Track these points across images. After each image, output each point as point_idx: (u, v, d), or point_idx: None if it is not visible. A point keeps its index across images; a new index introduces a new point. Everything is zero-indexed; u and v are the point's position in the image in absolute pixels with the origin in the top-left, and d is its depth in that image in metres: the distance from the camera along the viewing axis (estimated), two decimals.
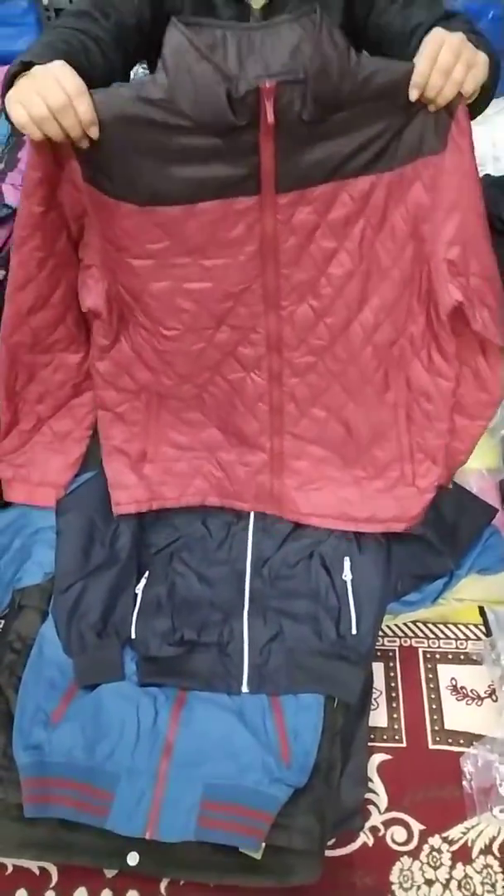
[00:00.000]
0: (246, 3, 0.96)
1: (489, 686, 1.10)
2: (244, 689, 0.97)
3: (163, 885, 0.93)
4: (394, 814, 0.99)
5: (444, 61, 0.75)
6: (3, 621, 1.11)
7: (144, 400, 1.07)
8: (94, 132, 0.77)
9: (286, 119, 0.78)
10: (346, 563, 1.07)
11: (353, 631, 1.01)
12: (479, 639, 1.15)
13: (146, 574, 1.08)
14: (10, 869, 0.95)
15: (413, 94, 0.78)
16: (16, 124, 0.75)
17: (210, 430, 1.10)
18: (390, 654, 1.14)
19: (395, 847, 0.97)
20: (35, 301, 0.94)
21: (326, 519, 1.09)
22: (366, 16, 0.96)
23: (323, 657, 0.99)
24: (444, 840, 0.97)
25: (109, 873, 0.94)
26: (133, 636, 1.01)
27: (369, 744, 1.03)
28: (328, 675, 0.98)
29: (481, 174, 1.62)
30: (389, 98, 0.79)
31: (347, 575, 1.06)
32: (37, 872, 0.95)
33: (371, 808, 1.00)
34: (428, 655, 1.14)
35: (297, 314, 0.95)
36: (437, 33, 0.77)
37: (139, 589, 1.06)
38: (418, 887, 0.94)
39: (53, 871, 0.95)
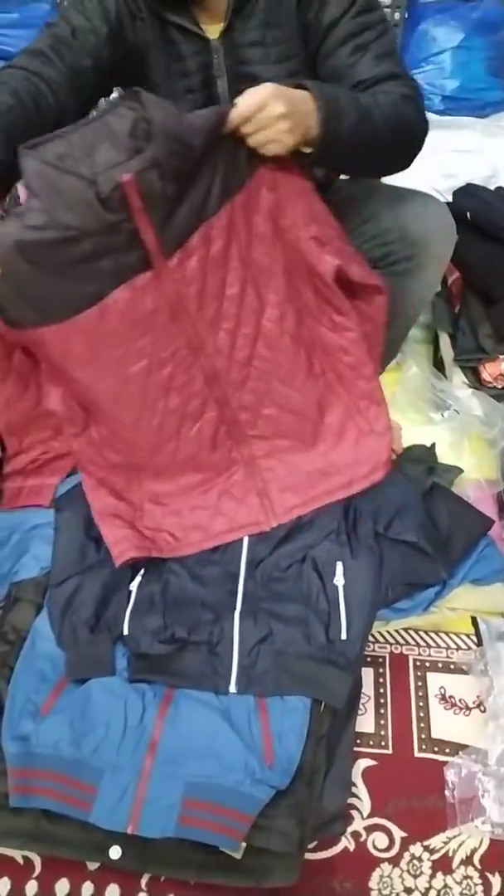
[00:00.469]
0: (204, 36, 1.04)
1: (477, 696, 1.10)
2: (232, 689, 0.98)
3: (143, 881, 0.94)
4: (376, 820, 1.00)
5: (261, 118, 0.84)
6: None
7: (122, 469, 1.13)
8: None
9: (152, 198, 0.85)
10: (339, 567, 1.08)
11: (343, 636, 1.01)
12: (469, 648, 1.15)
13: (141, 571, 1.09)
14: None
15: (225, 130, 0.85)
16: None
17: (187, 475, 1.15)
18: (380, 660, 1.14)
19: (375, 853, 0.97)
20: (9, 399, 1.08)
21: (312, 502, 1.13)
22: (315, 50, 1.03)
23: (311, 661, 1.00)
24: (426, 849, 0.97)
25: (92, 866, 0.95)
26: (125, 633, 1.02)
27: (355, 749, 1.03)
28: (316, 679, 0.99)
29: (494, 186, 1.66)
30: (220, 140, 0.86)
31: (339, 580, 1.07)
32: (21, 862, 0.96)
33: (354, 813, 1.00)
34: (418, 663, 1.15)
35: (218, 343, 1.03)
36: (264, 93, 0.83)
37: (133, 586, 1.07)
38: (398, 894, 0.94)
39: (37, 861, 0.96)
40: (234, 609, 1.05)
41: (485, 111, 1.89)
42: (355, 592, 1.05)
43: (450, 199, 1.57)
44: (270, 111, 0.84)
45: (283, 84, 0.87)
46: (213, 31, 1.05)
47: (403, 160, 1.05)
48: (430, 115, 1.76)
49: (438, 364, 1.56)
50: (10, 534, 1.14)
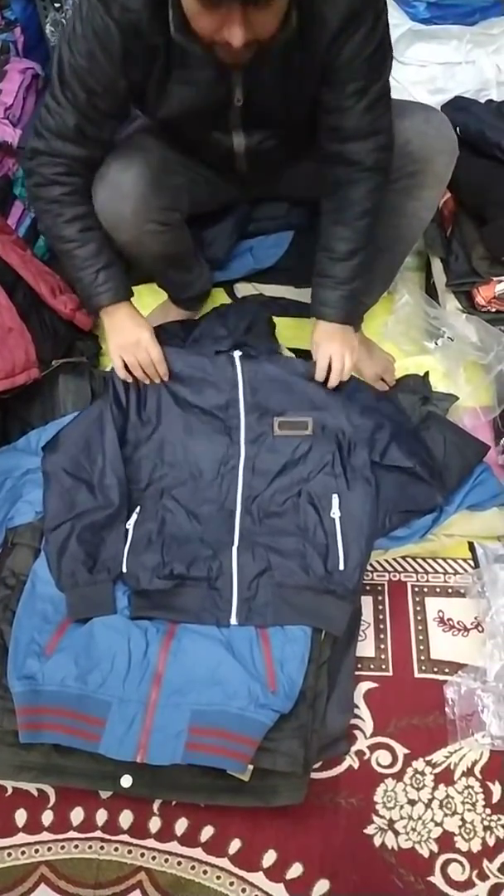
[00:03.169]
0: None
1: (475, 618, 1.12)
2: (233, 621, 0.99)
3: (155, 806, 0.97)
4: (379, 739, 1.03)
5: (332, 378, 1.17)
6: None
7: None
8: (165, 376, 1.19)
9: None
10: (335, 500, 1.07)
11: (341, 567, 1.02)
12: (466, 573, 1.17)
13: (137, 510, 1.08)
14: (9, 791, 1.00)
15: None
16: (118, 371, 1.18)
17: None
18: (379, 588, 1.16)
19: (379, 770, 1.00)
20: None
21: None
22: (330, 102, 1.00)
23: (311, 592, 1.00)
24: (428, 763, 1.01)
25: (104, 795, 0.98)
26: (124, 570, 1.02)
27: (356, 673, 1.06)
28: (315, 609, 1.00)
29: (484, 99, 1.58)
30: None
31: (335, 512, 1.06)
32: (35, 794, 0.99)
33: (357, 733, 1.03)
34: (416, 589, 1.16)
35: None
36: (324, 357, 1.17)
37: (130, 524, 1.07)
38: (401, 806, 0.98)
39: (51, 792, 0.99)
40: (232, 545, 1.05)
41: (473, 18, 1.77)
42: (352, 524, 1.05)
43: None
44: (336, 367, 1.17)
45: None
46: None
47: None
48: (415, 25, 1.68)
49: (431, 291, 1.52)
50: (3, 480, 1.13)
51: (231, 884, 0.93)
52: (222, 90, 0.99)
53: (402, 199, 1.14)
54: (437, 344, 1.43)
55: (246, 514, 1.09)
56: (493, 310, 1.39)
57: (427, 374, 1.36)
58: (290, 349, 1.40)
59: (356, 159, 1.03)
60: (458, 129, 1.40)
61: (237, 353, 1.21)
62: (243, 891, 0.92)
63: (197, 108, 1.01)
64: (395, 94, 1.26)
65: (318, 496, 1.09)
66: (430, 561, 1.18)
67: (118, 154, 1.08)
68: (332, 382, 1.17)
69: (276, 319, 1.55)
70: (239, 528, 1.07)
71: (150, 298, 1.54)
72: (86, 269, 1.09)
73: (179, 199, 1.15)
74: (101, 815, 0.97)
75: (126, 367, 1.17)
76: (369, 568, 1.16)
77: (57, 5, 1.65)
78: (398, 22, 1.67)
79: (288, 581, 1.01)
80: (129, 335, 1.15)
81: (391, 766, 1.01)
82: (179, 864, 0.94)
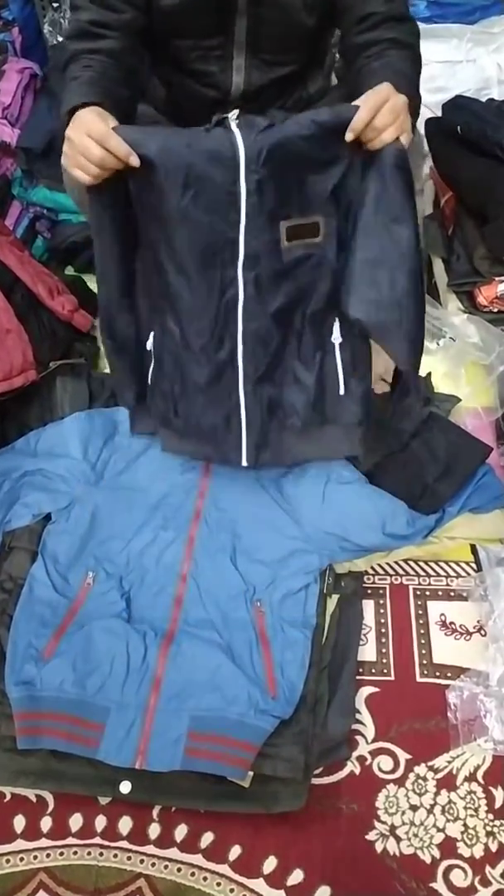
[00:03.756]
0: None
1: (477, 621, 1.11)
2: (244, 463, 1.05)
3: (155, 812, 0.97)
4: (381, 744, 1.02)
5: (380, 122, 0.86)
6: None
7: None
8: (133, 161, 0.87)
9: None
10: (335, 325, 1.04)
11: (342, 392, 1.03)
12: (469, 576, 1.16)
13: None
14: (8, 797, 0.99)
15: (349, 136, 0.87)
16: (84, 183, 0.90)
17: None
18: (381, 591, 1.15)
19: (381, 775, 0.99)
20: None
21: None
22: None
23: (313, 427, 1.05)
24: (430, 768, 1.00)
25: (103, 801, 0.97)
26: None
27: (358, 677, 1.05)
28: (320, 442, 1.06)
29: (485, 98, 1.57)
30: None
31: (336, 338, 1.04)
32: (34, 800, 0.98)
33: (358, 738, 1.02)
34: (418, 592, 1.15)
35: None
36: (384, 90, 0.86)
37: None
38: (403, 812, 0.97)
39: (50, 798, 0.98)
40: (239, 393, 1.03)
41: (474, 16, 1.76)
42: (352, 348, 1.04)
43: (439, 114, 1.49)
44: (395, 105, 0.86)
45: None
46: None
47: None
48: None
49: (432, 291, 1.52)
50: (1, 483, 1.12)
51: (231, 890, 0.92)
52: None
53: None
54: (438, 344, 1.42)
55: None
56: (495, 310, 1.39)
57: (429, 374, 1.35)
58: None
59: (392, 36, 0.98)
60: (458, 128, 1.40)
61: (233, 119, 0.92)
62: None
63: None
64: None
65: (318, 321, 1.04)
66: (431, 564, 1.18)
67: None
68: (366, 136, 0.88)
69: None
70: (242, 373, 1.02)
71: None
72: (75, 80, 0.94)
73: None
74: (101, 822, 0.96)
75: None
76: (370, 571, 1.15)
77: (55, 5, 1.65)
78: None
79: (292, 421, 1.05)
80: (78, 127, 0.89)
81: (393, 771, 1.00)
82: (179, 870, 0.93)
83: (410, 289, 0.94)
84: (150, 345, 1.07)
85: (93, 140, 0.85)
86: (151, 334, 1.07)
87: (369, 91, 0.87)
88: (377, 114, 0.86)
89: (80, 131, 0.87)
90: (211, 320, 0.99)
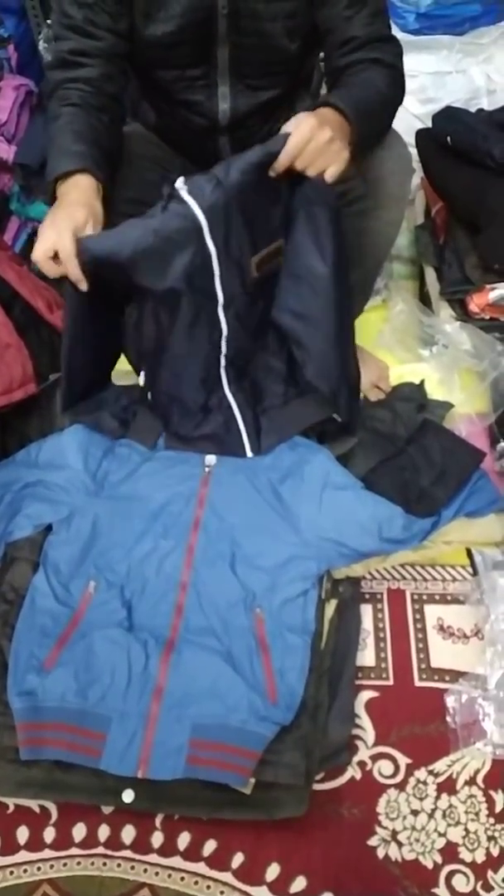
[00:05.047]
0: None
1: (475, 625, 1.11)
2: (248, 454, 1.16)
3: (158, 820, 0.97)
4: (381, 749, 1.02)
5: (301, 164, 0.90)
6: None
7: None
8: (82, 287, 0.97)
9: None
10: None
11: (310, 371, 1.12)
12: (465, 580, 1.17)
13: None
14: (11, 808, 0.99)
15: (272, 174, 0.92)
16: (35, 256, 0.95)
17: None
18: (378, 596, 1.16)
19: (381, 780, 1.00)
20: None
21: None
22: (330, 20, 1.02)
23: (293, 398, 1.17)
24: (430, 773, 1.00)
25: (106, 810, 0.97)
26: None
27: (357, 682, 1.05)
28: (304, 408, 1.17)
29: (475, 108, 1.59)
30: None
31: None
32: (37, 811, 0.98)
33: (358, 743, 1.02)
34: (415, 597, 1.16)
35: None
36: (307, 130, 0.88)
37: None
38: (404, 817, 0.97)
39: (53, 809, 0.98)
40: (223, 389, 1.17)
41: (463, 27, 1.79)
42: (309, 326, 1.10)
43: (429, 125, 1.51)
44: (319, 139, 0.88)
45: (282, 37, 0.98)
46: None
47: (388, 128, 1.10)
48: (404, 36, 1.70)
49: (425, 299, 1.53)
50: (2, 494, 1.13)
51: None
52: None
53: (361, 220, 1.15)
54: (431, 351, 1.44)
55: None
56: (487, 317, 1.41)
57: (422, 381, 1.37)
58: None
59: (375, 56, 1.01)
60: (448, 138, 1.42)
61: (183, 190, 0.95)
62: None
63: (185, 18, 1.00)
64: None
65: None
66: (428, 568, 1.18)
67: None
68: (285, 161, 0.91)
69: None
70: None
71: None
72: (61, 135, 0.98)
73: (149, 194, 1.12)
74: (104, 831, 0.96)
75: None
76: (367, 576, 1.16)
77: (49, 22, 1.66)
78: None
79: (275, 403, 1.17)
80: (57, 208, 0.94)
81: (393, 776, 1.00)
82: (182, 879, 0.93)
83: (324, 312, 1.06)
84: (141, 380, 1.17)
85: (55, 258, 0.93)
86: (142, 373, 1.17)
87: (294, 130, 0.90)
88: (300, 153, 0.90)
89: (49, 237, 0.92)
90: (203, 359, 1.12)
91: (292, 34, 1.03)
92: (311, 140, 0.88)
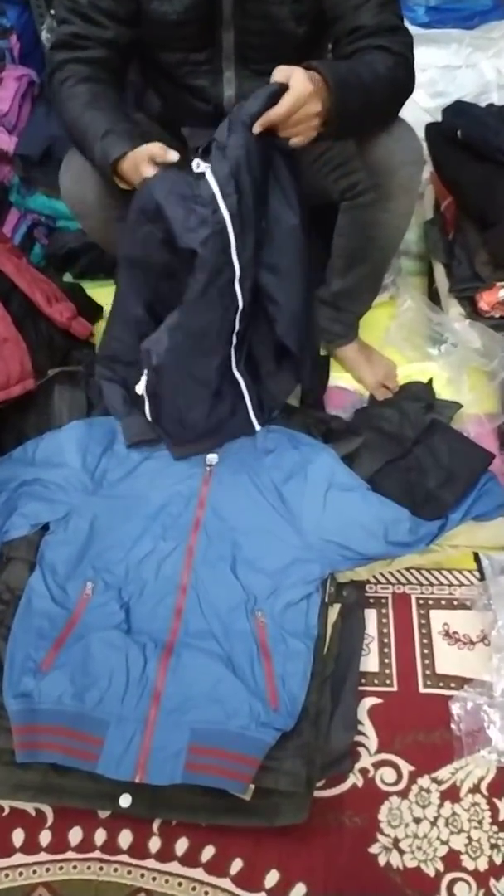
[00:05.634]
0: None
1: (481, 631, 1.10)
2: (257, 427, 1.18)
3: (155, 826, 0.95)
4: (383, 756, 1.00)
5: (285, 132, 0.91)
6: None
7: None
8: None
9: None
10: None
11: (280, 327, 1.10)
12: (472, 584, 1.15)
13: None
14: (6, 811, 0.98)
15: (256, 129, 0.91)
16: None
17: None
18: (383, 600, 1.14)
19: (384, 787, 0.98)
20: None
21: None
22: (338, 6, 0.99)
23: (286, 365, 1.19)
24: (433, 780, 0.98)
25: (103, 814, 0.96)
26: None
27: (360, 688, 1.03)
28: (290, 372, 1.20)
29: (485, 103, 1.56)
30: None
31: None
32: (33, 814, 0.97)
33: (361, 750, 1.00)
34: (421, 602, 1.14)
35: None
36: (302, 93, 0.87)
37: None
38: (406, 825, 0.96)
39: (49, 812, 0.97)
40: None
41: (473, 21, 1.76)
42: (282, 280, 1.08)
43: (439, 119, 1.48)
44: (308, 110, 0.89)
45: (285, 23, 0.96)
46: None
47: (392, 116, 1.06)
48: (414, 29, 1.67)
49: (433, 296, 1.51)
50: None
51: None
52: None
53: (371, 211, 1.13)
54: (440, 350, 1.42)
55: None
56: (497, 315, 1.38)
57: (431, 381, 1.35)
58: None
59: (381, 44, 0.98)
60: (458, 132, 1.39)
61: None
62: None
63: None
64: None
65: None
66: (434, 572, 1.16)
67: None
68: (274, 119, 0.90)
69: None
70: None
71: None
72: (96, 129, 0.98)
73: None
74: (100, 835, 0.95)
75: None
76: (372, 580, 1.14)
77: (53, 12, 1.64)
78: None
79: (268, 368, 1.18)
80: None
81: (396, 783, 0.99)
82: (180, 884, 0.92)
83: (293, 264, 1.05)
84: (140, 387, 1.10)
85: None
86: (144, 378, 1.10)
87: (292, 88, 0.88)
88: (290, 117, 0.89)
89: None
90: (218, 340, 1.08)
91: (300, 19, 1.01)
92: (303, 106, 0.89)
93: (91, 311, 1.47)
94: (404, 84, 1.02)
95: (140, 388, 1.09)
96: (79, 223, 1.17)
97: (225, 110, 1.09)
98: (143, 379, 1.08)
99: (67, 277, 1.59)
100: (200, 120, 1.11)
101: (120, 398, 1.18)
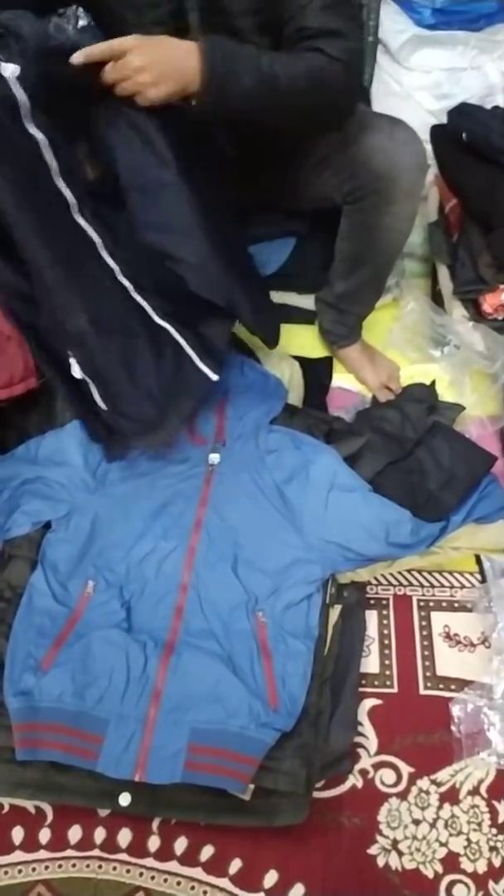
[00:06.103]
0: None
1: (482, 633, 1.10)
2: (213, 377, 1.04)
3: (154, 824, 0.96)
4: (383, 757, 1.01)
5: (119, 67, 0.84)
6: None
7: None
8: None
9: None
10: None
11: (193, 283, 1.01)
12: (473, 587, 1.15)
13: None
14: (6, 808, 0.98)
15: (74, 60, 0.84)
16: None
17: None
18: (384, 602, 1.14)
19: (383, 789, 0.98)
20: None
21: None
22: (287, 7, 0.96)
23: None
24: (433, 782, 0.99)
25: (102, 813, 0.96)
26: None
27: (360, 689, 1.04)
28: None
29: (490, 106, 1.56)
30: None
31: None
32: (32, 811, 0.97)
33: (361, 751, 1.01)
34: (422, 603, 1.14)
35: None
36: (129, 42, 0.83)
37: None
38: (405, 826, 0.96)
39: (49, 810, 0.97)
40: None
41: (478, 24, 1.75)
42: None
43: (444, 121, 1.48)
44: (127, 62, 0.84)
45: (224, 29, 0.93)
46: None
47: (325, 125, 1.04)
48: (420, 31, 1.67)
49: (437, 298, 1.51)
50: (0, 490, 1.11)
51: None
52: None
53: (374, 215, 1.13)
54: (442, 352, 1.42)
55: None
56: (500, 318, 1.38)
57: (433, 382, 1.35)
58: (292, 356, 1.39)
59: (318, 46, 0.96)
60: (463, 134, 1.39)
61: None
62: None
63: (159, 9, 0.97)
64: (399, 100, 1.24)
65: None
66: (435, 574, 1.16)
67: None
68: (79, 59, 0.84)
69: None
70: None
71: None
72: None
73: None
74: (100, 834, 0.95)
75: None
76: (373, 581, 1.14)
77: (60, 11, 1.65)
78: (403, 27, 1.66)
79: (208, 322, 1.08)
80: None
81: (395, 784, 0.99)
82: (179, 883, 0.92)
83: (189, 220, 0.99)
84: (77, 372, 1.04)
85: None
86: (73, 361, 1.04)
87: (117, 40, 0.85)
88: (104, 59, 0.84)
89: None
90: (94, 280, 0.99)
91: (263, 30, 1.00)
92: (121, 57, 0.85)
93: None
94: (332, 89, 0.98)
95: (77, 372, 1.03)
96: None
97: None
98: (73, 362, 1.03)
99: None
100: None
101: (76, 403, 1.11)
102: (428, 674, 1.07)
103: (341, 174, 1.11)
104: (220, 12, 0.98)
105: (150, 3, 0.99)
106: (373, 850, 0.94)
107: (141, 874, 0.93)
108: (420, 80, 1.69)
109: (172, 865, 0.93)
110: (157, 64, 0.85)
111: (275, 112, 0.97)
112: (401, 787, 0.98)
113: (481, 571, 1.15)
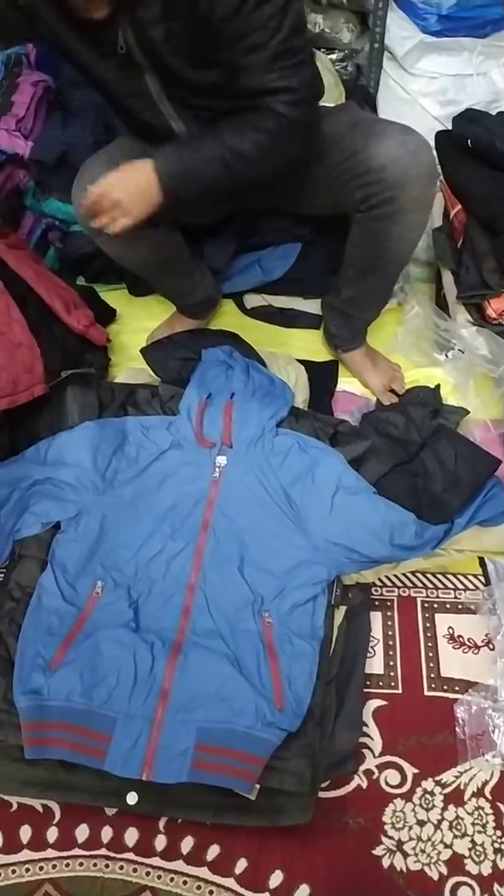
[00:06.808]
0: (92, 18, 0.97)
1: (486, 635, 1.10)
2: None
3: (161, 824, 0.96)
4: (388, 758, 1.01)
5: (101, 205, 1.01)
6: (2, 572, 1.12)
7: None
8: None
9: None
10: None
11: None
12: (477, 589, 1.15)
13: None
14: (14, 807, 0.99)
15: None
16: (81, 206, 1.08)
17: None
18: (388, 603, 1.14)
19: (388, 790, 0.99)
20: None
21: None
22: (214, 38, 0.95)
23: None
24: (437, 783, 0.99)
25: (109, 812, 0.97)
26: None
27: (365, 690, 1.04)
28: None
29: (496, 111, 1.57)
30: None
31: None
32: (40, 810, 0.98)
33: (365, 752, 1.01)
34: (426, 605, 1.14)
35: None
36: (109, 182, 1.00)
37: None
38: (410, 827, 0.96)
39: (56, 809, 0.98)
40: None
41: (484, 30, 1.76)
42: None
43: (449, 127, 1.49)
44: (106, 199, 1.00)
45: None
46: (101, 13, 0.95)
47: (293, 166, 1.09)
48: (426, 38, 1.68)
49: (441, 302, 1.52)
50: (11, 491, 1.12)
51: None
52: (109, 37, 0.97)
53: (384, 224, 1.14)
54: (447, 356, 1.42)
55: None
56: None
57: (437, 386, 1.35)
58: (298, 360, 1.40)
59: (266, 105, 0.98)
60: (468, 140, 1.40)
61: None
62: None
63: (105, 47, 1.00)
64: (405, 106, 1.24)
65: None
66: (440, 576, 1.17)
67: (98, 154, 1.14)
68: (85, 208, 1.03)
69: (284, 330, 1.55)
70: None
71: (158, 308, 1.54)
72: None
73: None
74: (107, 833, 0.96)
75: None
76: (378, 583, 1.15)
77: None
78: (409, 34, 1.67)
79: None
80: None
81: (400, 785, 0.99)
82: (185, 883, 0.93)
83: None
84: None
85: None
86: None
87: (93, 187, 1.01)
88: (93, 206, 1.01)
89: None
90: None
91: (200, 66, 1.00)
92: (103, 196, 1.01)
93: (105, 314, 1.48)
94: (285, 147, 1.03)
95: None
96: (96, 241, 1.20)
97: (178, 135, 1.11)
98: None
99: (80, 280, 1.61)
100: (168, 139, 1.11)
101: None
102: (432, 675, 1.07)
103: (353, 182, 1.12)
104: (152, 50, 0.98)
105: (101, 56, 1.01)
106: (378, 851, 0.94)
107: (147, 873, 0.93)
108: (426, 86, 1.70)
109: (179, 865, 0.94)
110: (129, 197, 1.00)
111: (239, 184, 1.05)
112: (405, 788, 0.99)
113: (485, 574, 1.15)
